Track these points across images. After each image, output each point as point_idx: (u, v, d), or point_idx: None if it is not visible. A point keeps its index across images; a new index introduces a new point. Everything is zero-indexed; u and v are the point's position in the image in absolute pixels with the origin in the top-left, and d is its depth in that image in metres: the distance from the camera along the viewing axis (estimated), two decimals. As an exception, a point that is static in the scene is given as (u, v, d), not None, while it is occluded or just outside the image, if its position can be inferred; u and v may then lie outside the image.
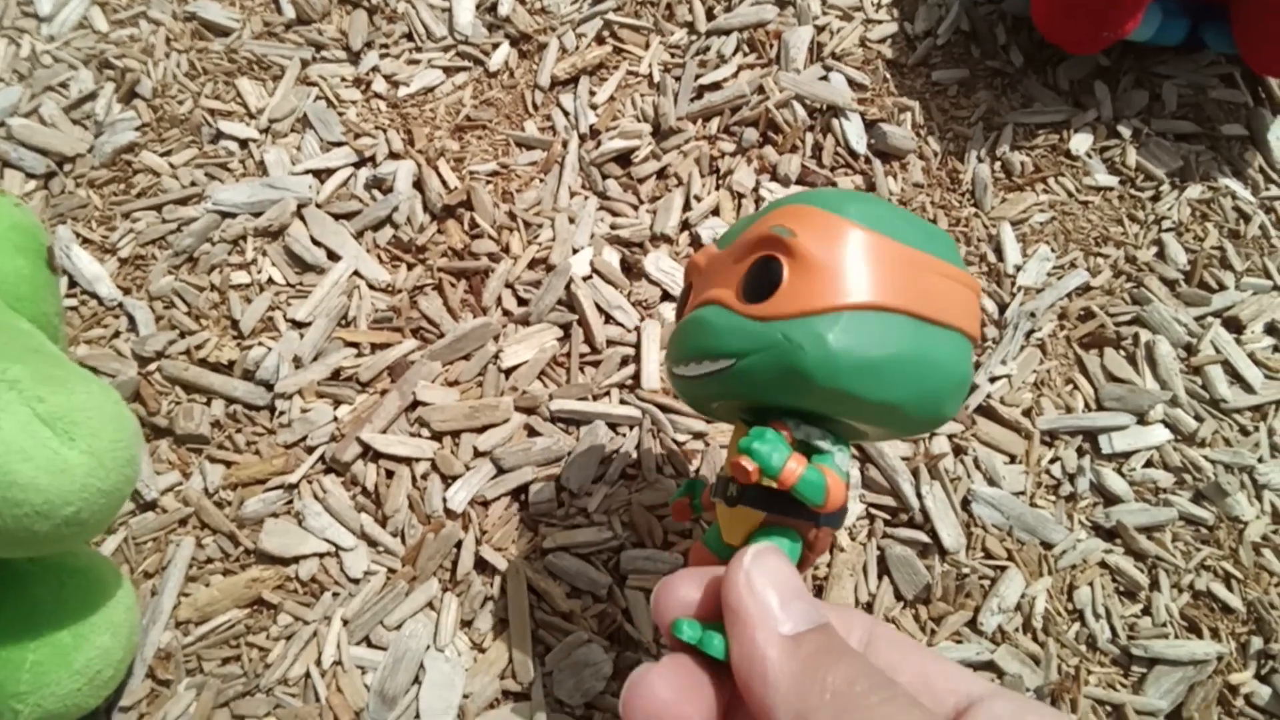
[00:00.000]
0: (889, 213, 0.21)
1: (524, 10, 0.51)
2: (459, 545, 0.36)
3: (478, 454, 0.38)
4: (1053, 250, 0.44)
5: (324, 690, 0.33)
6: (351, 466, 0.37)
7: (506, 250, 0.43)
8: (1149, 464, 0.39)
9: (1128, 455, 0.39)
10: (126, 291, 0.42)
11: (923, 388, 0.20)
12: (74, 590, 0.29)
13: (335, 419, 0.38)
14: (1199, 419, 0.40)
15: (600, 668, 0.33)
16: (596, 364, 0.40)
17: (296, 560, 0.36)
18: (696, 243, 0.43)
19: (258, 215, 0.43)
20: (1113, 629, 0.36)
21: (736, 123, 0.47)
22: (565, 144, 0.46)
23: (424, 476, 0.37)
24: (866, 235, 0.20)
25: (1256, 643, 0.35)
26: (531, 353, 0.40)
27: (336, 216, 0.44)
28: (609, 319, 0.41)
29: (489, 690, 0.33)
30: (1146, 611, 0.36)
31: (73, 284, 0.42)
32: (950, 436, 0.39)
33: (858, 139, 0.46)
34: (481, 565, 0.36)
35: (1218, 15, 0.46)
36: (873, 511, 0.37)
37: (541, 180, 0.46)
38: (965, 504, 0.38)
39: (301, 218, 0.44)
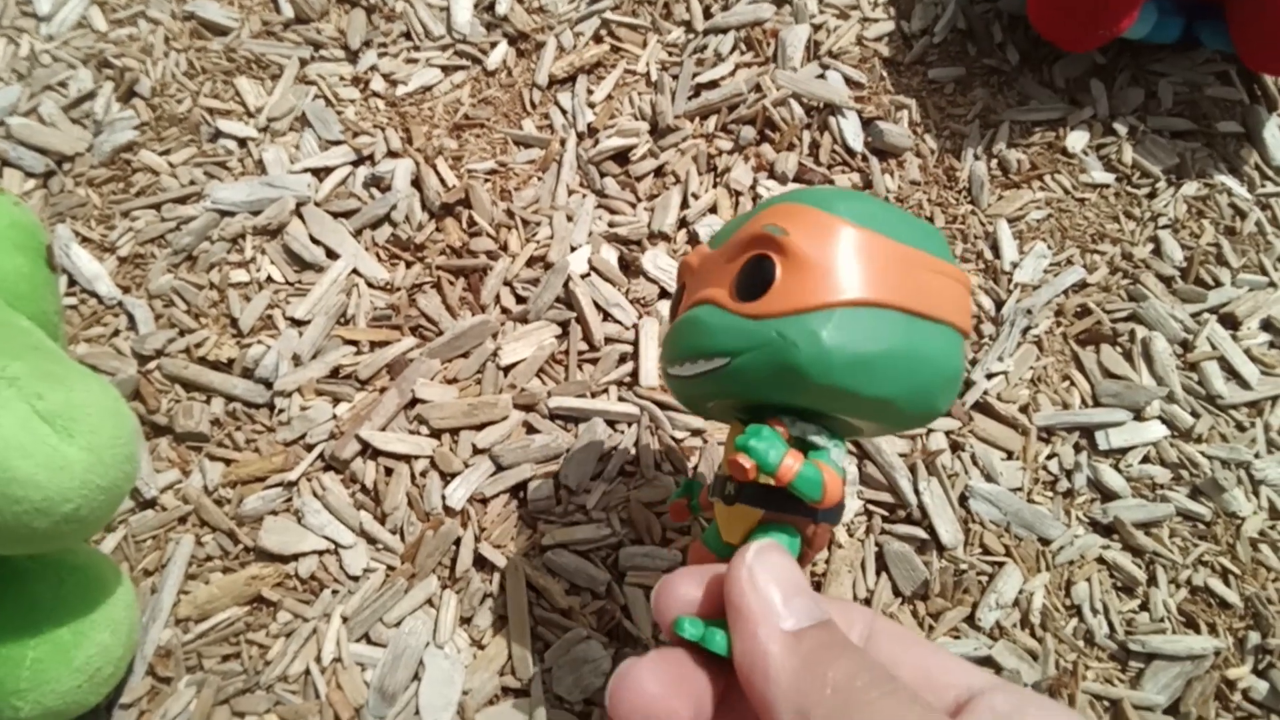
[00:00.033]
0: (880, 209, 0.21)
1: (522, 9, 0.51)
2: (458, 542, 0.36)
3: (476, 451, 0.38)
4: (1049, 247, 0.45)
5: (324, 687, 0.33)
6: (351, 464, 0.37)
7: (505, 248, 0.43)
8: (1146, 460, 0.39)
9: (1125, 451, 0.39)
10: (126, 290, 0.42)
11: (916, 382, 0.20)
12: (74, 587, 0.29)
13: (334, 417, 0.38)
14: (1195, 415, 0.40)
15: (599, 664, 0.33)
16: (595, 361, 0.40)
17: (296, 558, 0.36)
18: (694, 240, 0.44)
19: (257, 214, 0.44)
20: (1110, 624, 0.36)
21: (734, 121, 0.47)
22: (563, 142, 0.46)
23: (423, 474, 0.37)
24: (858, 232, 0.20)
25: (1254, 638, 0.35)
26: (530, 350, 0.40)
27: (335, 215, 0.44)
28: (607, 316, 0.41)
29: (488, 686, 0.33)
30: (1144, 607, 0.36)
31: (72, 282, 0.42)
32: (948, 433, 0.39)
33: (855, 137, 0.46)
34: (480, 562, 0.36)
35: (1213, 13, 0.46)
36: (871, 508, 0.38)
37: (539, 178, 0.46)
38: (963, 500, 0.38)
39: (300, 216, 0.44)
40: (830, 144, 0.46)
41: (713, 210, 0.44)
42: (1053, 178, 0.47)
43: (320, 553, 0.36)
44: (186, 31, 0.50)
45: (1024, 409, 0.40)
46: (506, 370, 0.40)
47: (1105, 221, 0.46)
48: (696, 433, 0.38)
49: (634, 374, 0.40)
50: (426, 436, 0.38)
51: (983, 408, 0.40)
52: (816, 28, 0.50)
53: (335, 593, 0.35)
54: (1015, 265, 0.44)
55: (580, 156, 0.46)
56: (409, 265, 0.43)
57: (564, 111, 0.48)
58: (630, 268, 0.43)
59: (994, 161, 0.47)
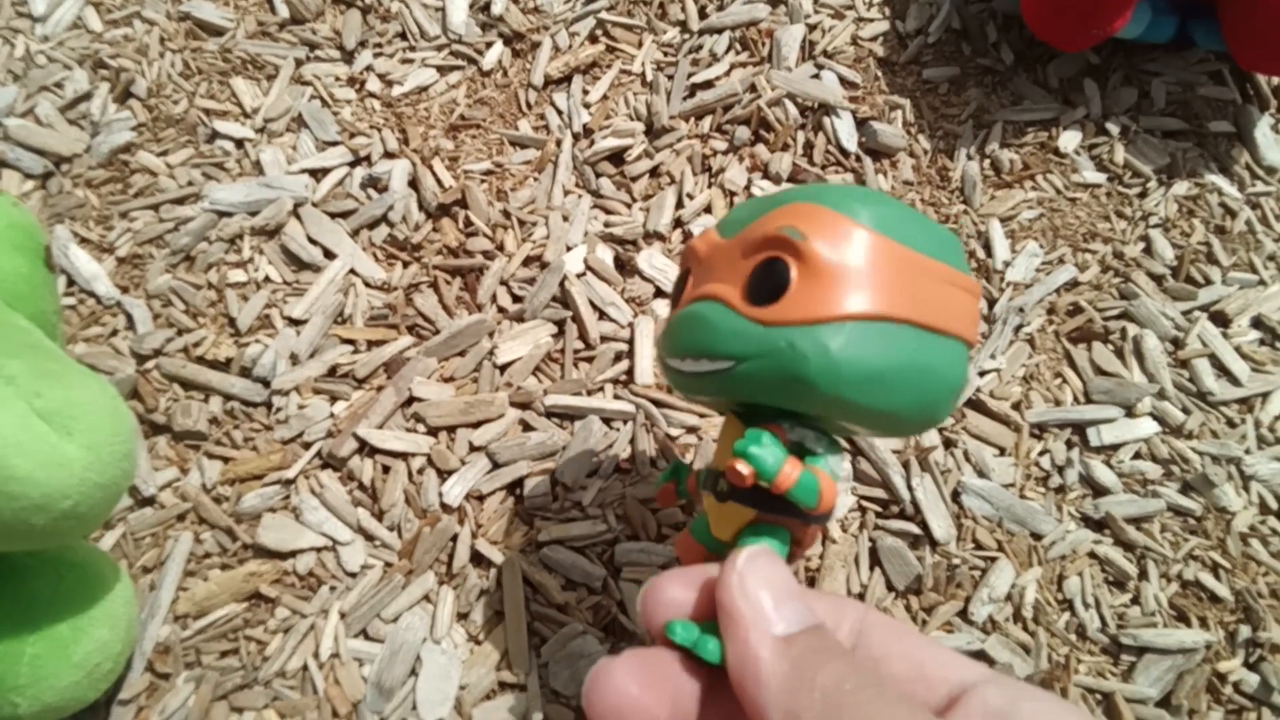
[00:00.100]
0: (898, 214, 0.20)
1: (517, 9, 0.51)
2: (455, 539, 0.36)
3: (473, 449, 0.38)
4: (1041, 246, 0.45)
5: (322, 682, 0.33)
6: (348, 462, 0.38)
7: (501, 248, 0.43)
8: (1137, 456, 0.40)
9: (1116, 447, 0.40)
10: (124, 290, 0.42)
11: (921, 395, 0.20)
12: (72, 584, 0.30)
13: (332, 415, 0.39)
14: (1186, 411, 0.40)
15: (595, 658, 0.33)
16: (590, 360, 0.40)
17: (294, 554, 0.36)
18: (688, 240, 0.44)
19: (254, 214, 0.44)
20: (1102, 618, 0.36)
21: (729, 121, 0.47)
22: (559, 143, 0.47)
23: (420, 471, 0.38)
24: (877, 241, 0.19)
25: (1244, 631, 0.36)
26: (526, 349, 0.40)
27: (332, 215, 0.44)
28: (603, 315, 0.41)
29: (485, 681, 0.34)
30: (1135, 601, 0.36)
31: (71, 283, 0.42)
32: (940, 430, 0.40)
33: (849, 137, 0.47)
34: (477, 558, 0.36)
35: (1206, 12, 0.46)
36: (864, 504, 0.38)
37: (535, 179, 0.46)
38: (955, 496, 0.38)
39: (298, 216, 0.44)
40: (824, 144, 0.47)
41: (707, 210, 0.45)
42: (1045, 178, 0.47)
43: (318, 549, 0.36)
44: (182, 32, 0.50)
45: (1016, 406, 0.40)
46: (503, 369, 0.40)
47: (1097, 221, 0.46)
48: (691, 430, 0.39)
49: (629, 372, 0.40)
50: (423, 434, 0.38)
51: (975, 405, 0.40)
52: (811, 28, 0.50)
53: (333, 589, 0.35)
54: (1008, 264, 0.44)
55: (576, 157, 0.46)
56: (406, 265, 0.43)
57: (559, 112, 0.48)
58: (625, 267, 0.43)
59: (987, 161, 0.47)
